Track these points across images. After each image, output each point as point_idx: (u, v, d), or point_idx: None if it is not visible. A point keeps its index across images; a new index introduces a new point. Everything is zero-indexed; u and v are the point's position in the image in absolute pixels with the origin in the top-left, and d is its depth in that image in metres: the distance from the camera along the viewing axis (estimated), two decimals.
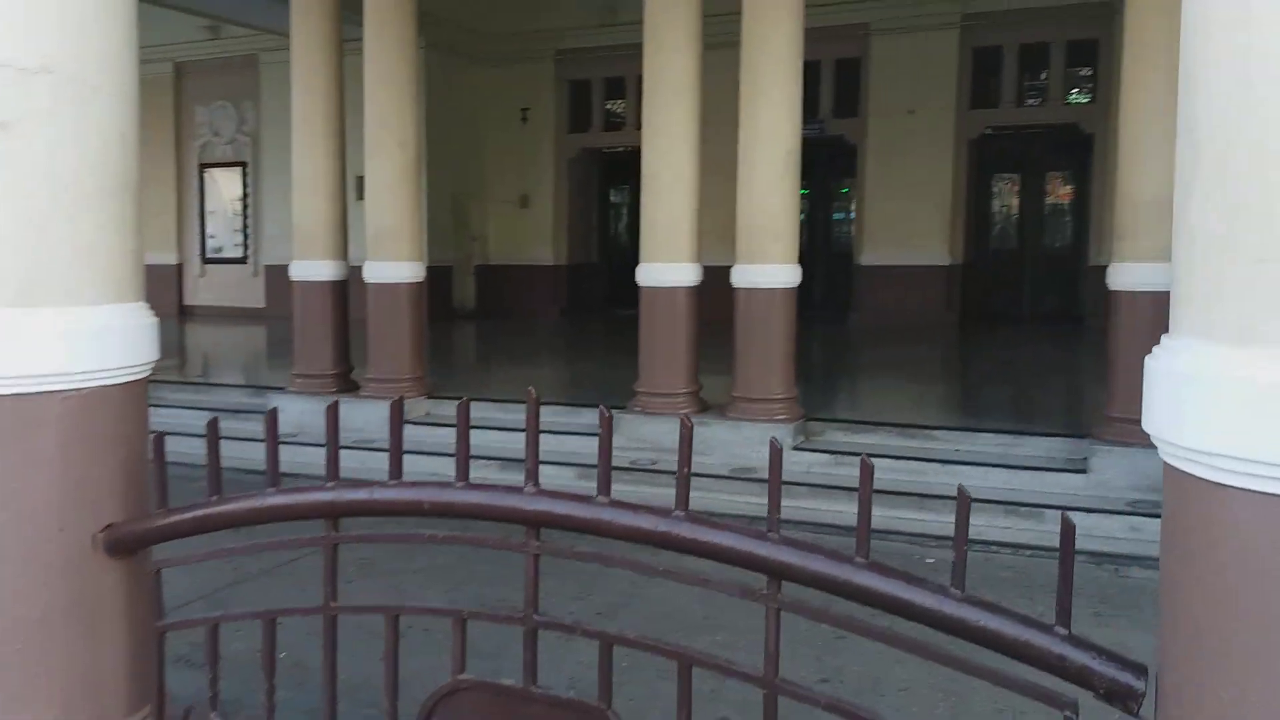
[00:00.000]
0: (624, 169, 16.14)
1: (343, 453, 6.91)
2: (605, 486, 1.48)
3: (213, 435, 1.80)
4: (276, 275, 13.17)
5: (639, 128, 14.36)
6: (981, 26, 12.34)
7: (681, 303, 6.65)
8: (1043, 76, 12.83)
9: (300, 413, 7.78)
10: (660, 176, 6.65)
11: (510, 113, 15.09)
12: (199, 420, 7.53)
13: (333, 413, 1.75)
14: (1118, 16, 11.61)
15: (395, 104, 7.54)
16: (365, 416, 7.56)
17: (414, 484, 1.61)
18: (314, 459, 7.23)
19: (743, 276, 6.46)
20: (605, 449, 1.50)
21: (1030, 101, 13.08)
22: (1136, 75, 5.39)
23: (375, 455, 7.11)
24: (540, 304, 15.09)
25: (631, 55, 14.25)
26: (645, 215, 6.76)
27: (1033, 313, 13.47)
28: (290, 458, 7.15)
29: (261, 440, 1.81)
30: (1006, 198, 14.02)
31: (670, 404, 6.60)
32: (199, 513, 1.76)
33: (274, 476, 1.75)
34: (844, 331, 12.16)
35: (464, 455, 1.61)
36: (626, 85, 14.70)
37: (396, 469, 1.67)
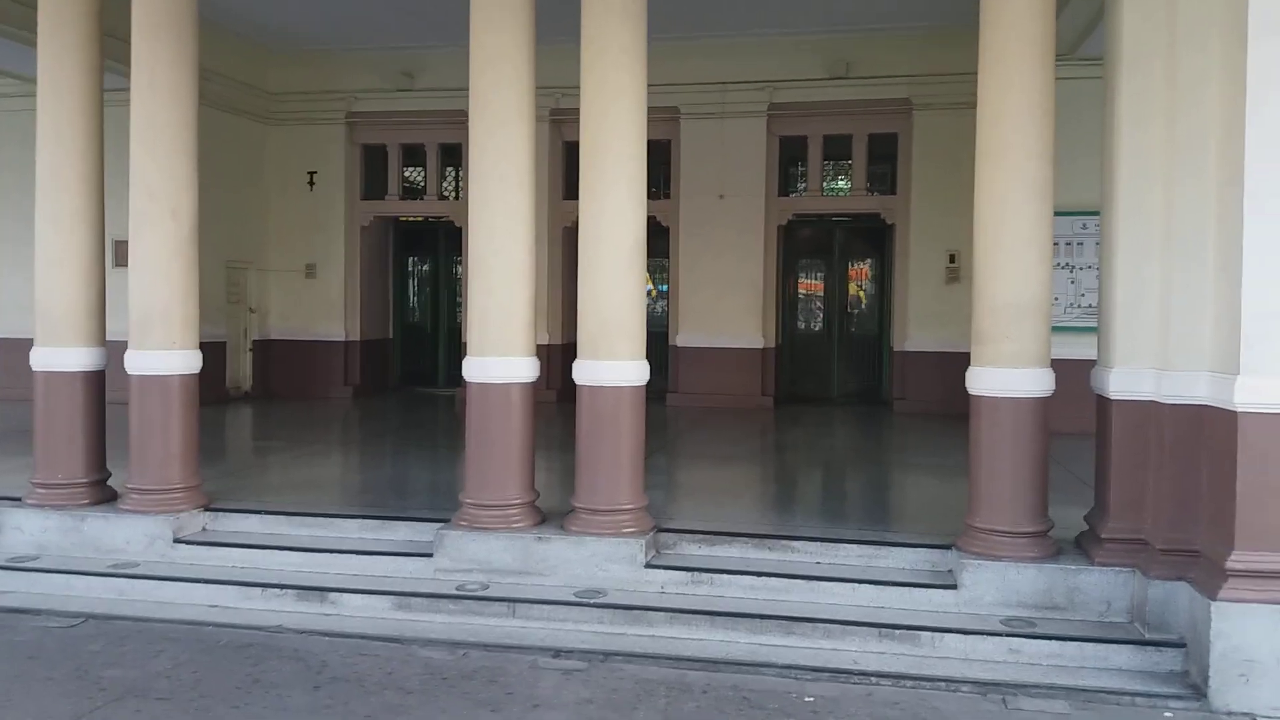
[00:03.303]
0: (423, 239, 15.36)
1: (97, 582, 5.50)
2: None
3: None
4: (7, 351, 11.26)
5: (440, 197, 14.00)
6: (787, 116, 12.58)
7: (517, 401, 5.91)
8: (846, 167, 13.24)
9: (41, 530, 6.39)
10: (489, 262, 5.94)
11: (296, 176, 13.94)
12: None
13: None
14: (915, 114, 12.25)
15: (168, 169, 6.44)
16: (126, 534, 6.28)
17: None
18: (59, 589, 5.95)
19: (586, 373, 5.82)
20: None
21: (834, 190, 13.47)
22: (990, 177, 5.29)
23: (137, 584, 5.85)
24: (329, 383, 13.83)
25: (431, 123, 13.75)
26: (474, 304, 6.02)
27: (840, 395, 13.69)
28: (27, 587, 5.89)
29: None
30: (814, 283, 14.29)
31: (503, 517, 5.82)
32: None
33: None
34: (665, 415, 11.77)
35: None
36: (426, 152, 13.98)
37: None
